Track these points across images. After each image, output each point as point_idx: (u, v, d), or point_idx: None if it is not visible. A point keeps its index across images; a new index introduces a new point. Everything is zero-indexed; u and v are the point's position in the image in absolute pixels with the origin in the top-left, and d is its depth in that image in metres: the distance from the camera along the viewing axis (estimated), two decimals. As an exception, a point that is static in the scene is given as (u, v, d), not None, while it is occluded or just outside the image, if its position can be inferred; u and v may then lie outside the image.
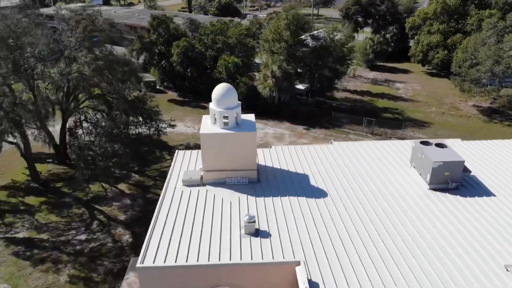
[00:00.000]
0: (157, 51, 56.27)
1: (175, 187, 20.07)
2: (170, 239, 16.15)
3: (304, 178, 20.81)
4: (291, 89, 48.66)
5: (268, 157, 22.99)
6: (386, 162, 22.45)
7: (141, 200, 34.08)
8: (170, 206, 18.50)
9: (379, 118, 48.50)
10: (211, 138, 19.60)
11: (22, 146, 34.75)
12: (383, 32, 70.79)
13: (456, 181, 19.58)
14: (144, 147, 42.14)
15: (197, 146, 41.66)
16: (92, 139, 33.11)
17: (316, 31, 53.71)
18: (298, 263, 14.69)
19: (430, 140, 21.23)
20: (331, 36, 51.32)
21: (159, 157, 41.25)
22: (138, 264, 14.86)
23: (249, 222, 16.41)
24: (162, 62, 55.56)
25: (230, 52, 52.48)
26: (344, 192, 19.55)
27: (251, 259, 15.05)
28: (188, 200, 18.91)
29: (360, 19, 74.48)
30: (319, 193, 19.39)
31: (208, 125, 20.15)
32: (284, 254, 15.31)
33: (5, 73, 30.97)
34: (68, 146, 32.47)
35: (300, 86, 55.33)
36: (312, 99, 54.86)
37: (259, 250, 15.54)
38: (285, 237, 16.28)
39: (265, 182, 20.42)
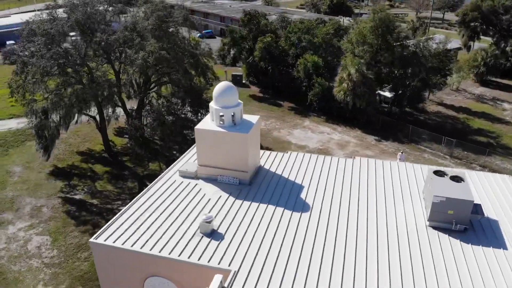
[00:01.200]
0: (246, 46, 57.92)
1: (171, 176, 20.87)
2: (132, 223, 16.98)
3: (299, 189, 19.76)
4: (369, 96, 45.74)
5: (278, 162, 22.34)
6: (399, 187, 20.00)
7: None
8: (154, 192, 19.35)
9: (466, 140, 42.87)
10: (204, 134, 19.84)
11: (98, 120, 39.33)
12: (503, 44, 61.73)
13: (463, 223, 16.60)
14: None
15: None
16: (148, 121, 35.95)
17: (413, 39, 49.27)
18: (227, 272, 14.26)
19: (448, 170, 18.29)
20: (424, 44, 46.74)
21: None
22: (91, 239, 16.04)
23: (206, 222, 16.36)
24: (249, 58, 57.00)
25: (314, 52, 51.44)
26: (333, 211, 18.06)
27: (188, 257, 15.05)
28: (173, 190, 19.52)
29: (478, 27, 65.94)
30: (304, 208, 18.25)
31: (207, 121, 20.40)
32: (223, 260, 14.95)
33: (96, 55, 35.51)
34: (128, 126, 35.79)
35: (387, 94, 51.72)
36: (397, 109, 50.83)
37: (202, 250, 15.43)
38: (235, 244, 15.83)
39: (256, 186, 19.95)
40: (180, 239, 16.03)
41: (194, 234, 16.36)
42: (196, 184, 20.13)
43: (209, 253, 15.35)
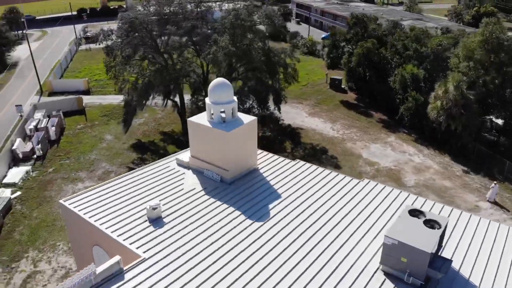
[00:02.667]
0: (348, 49, 55.56)
1: (170, 162, 21.96)
2: (101, 195, 18.57)
3: (273, 200, 18.77)
4: (467, 119, 39.60)
5: (272, 167, 21.50)
6: (379, 218, 17.39)
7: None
8: (141, 172, 20.70)
9: None
10: (194, 126, 20.28)
11: (179, 105, 42.88)
12: None
13: (418, 277, 13.70)
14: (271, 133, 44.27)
15: (321, 152, 40.74)
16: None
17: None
18: (139, 257, 14.69)
19: (430, 214, 15.16)
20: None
21: (282, 147, 42.41)
22: (60, 200, 18.18)
23: (152, 208, 16.95)
24: (350, 62, 54.59)
25: (419, 63, 46.61)
26: (289, 229, 16.77)
27: (118, 235, 15.90)
28: (157, 175, 20.55)
29: None
30: (261, 218, 17.35)
31: (203, 115, 20.76)
32: (144, 246, 15.39)
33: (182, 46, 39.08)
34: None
35: (500, 121, 44.12)
36: (505, 140, 42.90)
37: (134, 232, 16.11)
38: (166, 235, 16.05)
39: (234, 187, 19.61)
40: (125, 219, 16.97)
41: (140, 217, 17.12)
42: (184, 173, 20.79)
43: (138, 236, 15.95)
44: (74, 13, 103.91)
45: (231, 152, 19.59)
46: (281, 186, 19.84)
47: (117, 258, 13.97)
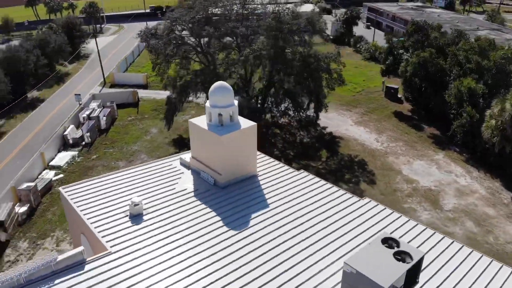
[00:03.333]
0: (407, 57, 52.41)
1: (173, 161, 22.42)
2: (97, 186, 19.48)
3: (260, 208, 18.35)
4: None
5: (277, 177, 20.96)
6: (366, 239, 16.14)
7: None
8: (142, 169, 21.36)
9: None
10: (194, 127, 20.46)
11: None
12: None
13: (375, 313, 12.53)
14: (309, 140, 43.24)
15: (358, 164, 38.90)
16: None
17: None
18: (106, 250, 15.20)
19: (407, 246, 13.74)
20: None
21: (317, 155, 41.21)
22: (60, 187, 19.37)
23: (134, 205, 17.42)
24: (407, 71, 51.47)
25: (479, 76, 42.69)
26: (269, 238, 16.33)
27: (95, 227, 16.56)
28: (156, 172, 21.06)
29: None
30: (239, 227, 17.03)
31: (204, 117, 20.84)
32: (114, 240, 15.86)
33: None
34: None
35: None
36: None
37: (111, 226, 16.66)
38: (140, 232, 16.40)
39: (225, 192, 19.47)
40: (108, 212, 17.64)
41: (123, 212, 17.66)
42: (183, 173, 21.09)
43: (113, 230, 16.48)
44: (147, 10, 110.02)
45: (224, 156, 19.47)
46: (274, 196, 19.35)
47: (80, 248, 14.56)
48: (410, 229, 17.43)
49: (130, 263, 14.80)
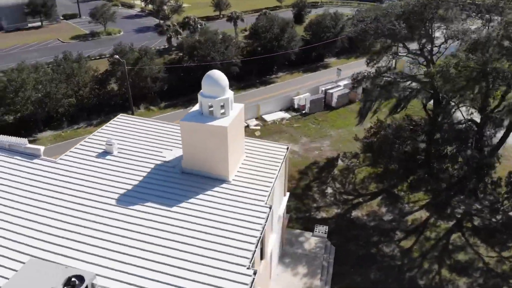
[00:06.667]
0: None
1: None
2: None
3: (166, 206, 18.01)
4: None
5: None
6: None
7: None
8: (173, 126, 23.98)
9: None
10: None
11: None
12: None
13: None
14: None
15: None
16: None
17: None
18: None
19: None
20: None
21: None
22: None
23: (107, 144, 21.22)
24: None
25: None
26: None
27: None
28: (172, 134, 23.10)
29: None
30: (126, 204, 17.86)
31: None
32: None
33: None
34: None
35: None
36: None
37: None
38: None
39: (182, 177, 19.73)
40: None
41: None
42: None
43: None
44: None
45: (183, 141, 19.55)
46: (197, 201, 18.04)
47: None
48: None
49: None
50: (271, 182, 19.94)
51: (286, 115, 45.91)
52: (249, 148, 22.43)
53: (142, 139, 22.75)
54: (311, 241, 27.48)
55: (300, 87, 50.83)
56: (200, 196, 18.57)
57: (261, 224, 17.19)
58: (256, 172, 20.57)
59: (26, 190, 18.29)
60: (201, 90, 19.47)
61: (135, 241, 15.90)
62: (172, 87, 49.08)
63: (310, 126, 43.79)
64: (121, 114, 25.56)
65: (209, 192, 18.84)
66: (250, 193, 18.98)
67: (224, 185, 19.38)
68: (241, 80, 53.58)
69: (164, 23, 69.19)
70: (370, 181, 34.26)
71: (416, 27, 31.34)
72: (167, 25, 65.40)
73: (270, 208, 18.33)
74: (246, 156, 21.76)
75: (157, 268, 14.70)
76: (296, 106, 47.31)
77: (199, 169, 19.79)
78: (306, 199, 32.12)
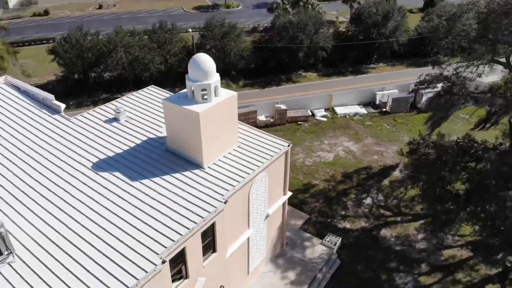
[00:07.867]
0: None
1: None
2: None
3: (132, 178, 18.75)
4: None
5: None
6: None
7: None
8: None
9: None
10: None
11: None
12: None
13: None
14: None
15: None
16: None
17: None
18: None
19: None
20: None
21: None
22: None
23: (116, 111, 22.69)
24: None
25: None
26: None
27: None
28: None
29: None
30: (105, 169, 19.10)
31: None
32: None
33: None
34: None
35: None
36: None
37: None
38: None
39: (164, 155, 20.25)
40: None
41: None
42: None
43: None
44: None
45: (166, 121, 19.87)
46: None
47: None
48: None
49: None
50: (244, 178, 19.05)
51: (362, 110, 42.29)
52: (246, 139, 21.61)
53: (154, 112, 23.70)
54: (317, 249, 25.54)
55: (396, 82, 45.79)
56: (167, 177, 18.76)
57: (202, 217, 16.70)
58: (237, 165, 19.83)
59: (29, 139, 21.04)
60: (189, 73, 19.28)
61: (82, 204, 17.06)
62: (258, 66, 49.28)
63: (383, 127, 39.69)
64: (152, 86, 26.85)
65: (177, 175, 18.91)
66: (216, 185, 18.47)
67: (196, 171, 19.21)
68: (332, 66, 50.88)
69: (275, 1, 68.97)
70: (420, 201, 29.83)
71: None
72: (276, 2, 65.10)
73: (225, 202, 17.63)
74: (238, 147, 21.06)
75: (81, 232, 15.70)
76: (377, 102, 43.24)
77: (179, 150, 19.96)
78: (336, 205, 29.62)
